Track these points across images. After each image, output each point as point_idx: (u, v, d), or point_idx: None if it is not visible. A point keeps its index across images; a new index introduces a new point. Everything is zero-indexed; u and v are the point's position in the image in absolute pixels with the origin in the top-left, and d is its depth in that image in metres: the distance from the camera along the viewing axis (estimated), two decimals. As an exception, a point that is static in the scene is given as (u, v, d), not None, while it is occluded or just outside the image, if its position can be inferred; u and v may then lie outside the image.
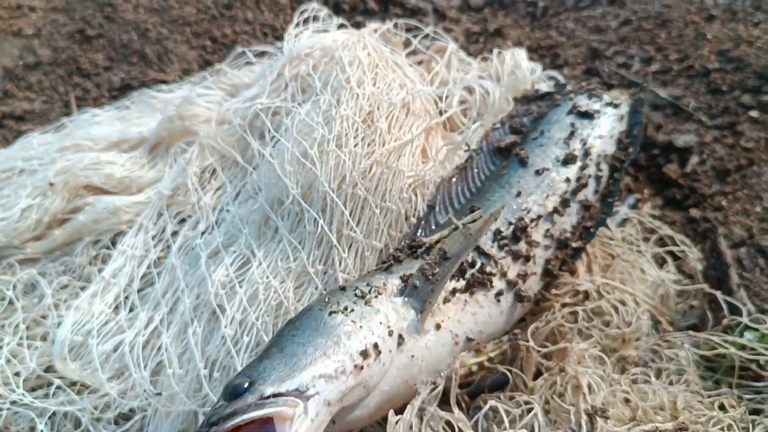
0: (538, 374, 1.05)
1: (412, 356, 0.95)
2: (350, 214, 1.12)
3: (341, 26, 1.48)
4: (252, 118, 1.30)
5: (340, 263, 1.10)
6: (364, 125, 1.17)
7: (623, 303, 1.13)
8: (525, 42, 1.66)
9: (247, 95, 1.37)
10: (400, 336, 0.95)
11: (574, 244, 1.12)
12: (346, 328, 0.92)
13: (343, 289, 1.00)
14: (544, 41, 1.62)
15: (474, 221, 1.08)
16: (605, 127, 1.23)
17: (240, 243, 1.16)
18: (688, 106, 1.47)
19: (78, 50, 1.80)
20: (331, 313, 0.94)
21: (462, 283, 1.04)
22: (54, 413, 1.15)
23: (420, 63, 1.49)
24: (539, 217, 1.12)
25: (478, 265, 1.06)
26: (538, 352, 1.03)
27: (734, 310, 1.13)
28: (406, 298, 0.99)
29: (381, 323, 0.94)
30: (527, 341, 1.03)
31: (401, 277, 1.01)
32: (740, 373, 1.08)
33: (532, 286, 1.09)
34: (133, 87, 1.69)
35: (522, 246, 1.09)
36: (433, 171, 1.21)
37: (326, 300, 0.97)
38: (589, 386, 0.97)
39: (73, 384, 1.16)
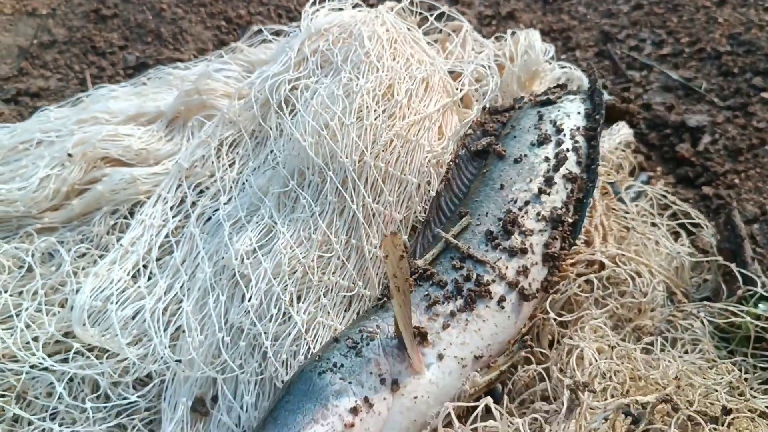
0: (553, 343, 1.06)
1: (415, 397, 0.93)
2: (371, 187, 1.13)
3: (356, 6, 1.49)
4: (273, 93, 1.30)
5: (366, 237, 1.11)
6: (384, 99, 1.18)
7: (638, 274, 1.15)
8: (537, 25, 1.67)
9: (267, 71, 1.37)
10: (395, 381, 0.93)
11: (569, 219, 1.12)
12: (334, 387, 0.91)
13: (336, 340, 0.98)
14: (556, 24, 1.64)
15: (463, 229, 1.09)
16: (570, 107, 1.26)
17: (262, 213, 1.17)
18: (701, 88, 1.48)
19: (93, 29, 1.81)
20: (320, 373, 0.93)
21: (460, 302, 1.02)
22: (72, 378, 1.15)
23: (435, 42, 1.50)
24: (527, 203, 1.12)
25: (474, 277, 1.04)
26: (556, 320, 1.04)
27: (748, 283, 1.14)
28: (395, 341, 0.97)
29: (371, 373, 0.93)
30: (546, 313, 1.04)
31: (394, 316, 0.97)
32: (755, 345, 1.09)
33: (535, 277, 1.07)
34: (149, 65, 1.70)
35: (516, 239, 1.08)
36: (448, 146, 1.23)
37: (317, 358, 0.95)
38: (589, 359, 0.99)
39: (91, 350, 1.17)
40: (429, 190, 1.17)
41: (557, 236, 1.10)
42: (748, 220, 1.28)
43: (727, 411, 0.84)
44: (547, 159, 1.17)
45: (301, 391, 0.92)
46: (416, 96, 1.20)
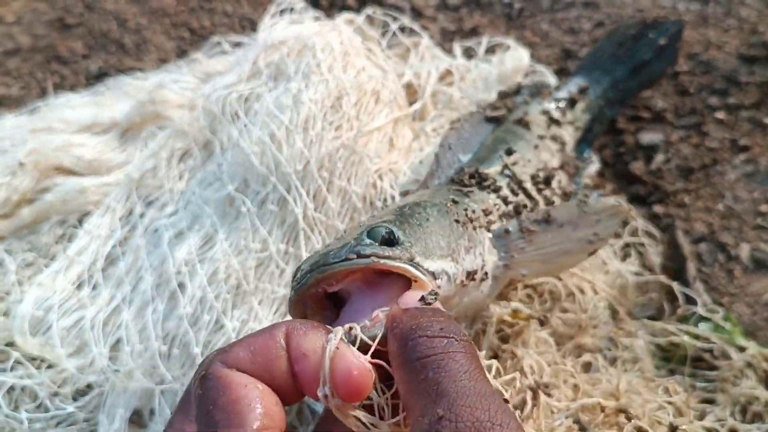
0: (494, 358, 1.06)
1: (482, 291, 0.94)
2: (314, 197, 1.13)
3: (317, 19, 1.50)
4: (224, 105, 1.30)
5: (306, 245, 1.11)
6: (333, 110, 1.19)
7: (581, 291, 1.15)
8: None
9: (221, 82, 1.37)
10: (485, 273, 0.93)
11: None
12: (464, 243, 0.90)
13: (455, 202, 0.97)
14: (519, 41, 1.64)
15: (515, 162, 1.13)
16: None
17: (204, 222, 1.17)
18: (656, 107, 1.49)
19: (57, 38, 1.81)
20: (456, 221, 0.91)
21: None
22: (12, 388, 1.15)
23: (399, 55, 1.51)
24: (554, 169, 1.19)
25: (530, 207, 1.08)
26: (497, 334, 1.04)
27: (690, 302, 1.15)
28: (494, 238, 0.98)
29: (481, 254, 0.92)
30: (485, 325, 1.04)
31: (483, 210, 1.00)
32: (694, 363, 1.09)
33: None
34: (110, 75, 1.70)
35: (548, 192, 1.13)
36: (398, 160, 1.23)
37: (447, 203, 0.94)
38: (531, 367, 0.99)
39: (33, 359, 1.16)
40: (375, 201, 1.16)
41: None
42: (695, 239, 1.29)
43: (674, 428, 0.83)
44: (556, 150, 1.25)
45: (441, 223, 0.89)
46: (365, 108, 1.21)
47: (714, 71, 1.53)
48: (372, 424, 0.60)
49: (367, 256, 0.73)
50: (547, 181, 1.16)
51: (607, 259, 1.20)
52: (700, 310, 1.11)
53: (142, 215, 1.28)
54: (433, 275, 0.78)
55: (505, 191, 1.08)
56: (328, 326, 0.63)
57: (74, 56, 1.77)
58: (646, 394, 0.96)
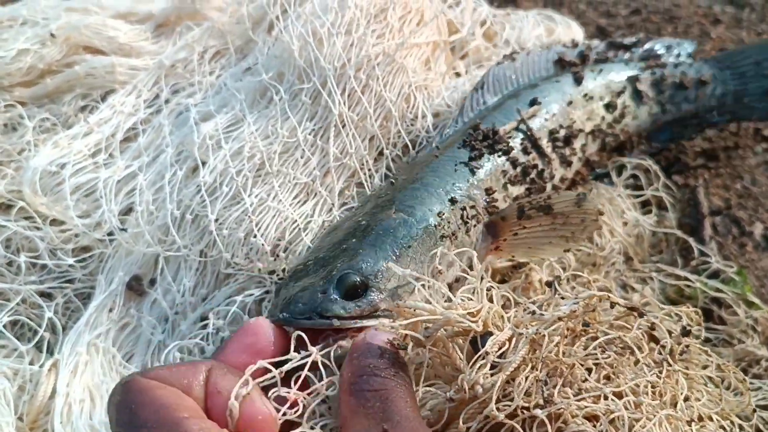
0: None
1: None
2: (348, 96, 1.12)
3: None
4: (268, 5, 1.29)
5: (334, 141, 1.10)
6: (377, 20, 1.19)
7: (598, 233, 1.15)
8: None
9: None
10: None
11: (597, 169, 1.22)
12: (448, 259, 0.90)
13: (453, 201, 0.98)
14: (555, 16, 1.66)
15: (534, 115, 1.13)
16: None
17: (233, 106, 1.16)
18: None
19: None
20: (442, 236, 0.93)
21: (523, 189, 1.07)
22: (10, 241, 1.12)
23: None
24: (581, 131, 1.18)
25: (539, 167, 1.09)
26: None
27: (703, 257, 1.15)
28: (487, 225, 1.00)
29: (469, 257, 0.89)
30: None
31: (486, 190, 1.02)
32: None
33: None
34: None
35: (567, 151, 1.14)
36: (434, 80, 1.23)
37: (439, 212, 0.96)
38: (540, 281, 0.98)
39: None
40: (409, 110, 1.15)
41: (581, 173, 1.18)
42: (712, 211, 1.29)
43: (686, 332, 0.82)
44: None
45: (425, 245, 0.92)
46: (408, 24, 1.21)
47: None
48: None
49: (329, 318, 0.78)
50: (567, 141, 1.16)
51: (627, 210, 1.20)
52: (714, 262, 1.11)
53: (167, 101, 1.27)
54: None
55: (517, 152, 1.09)
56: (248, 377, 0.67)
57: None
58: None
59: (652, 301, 0.94)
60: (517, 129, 1.12)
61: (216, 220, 1.03)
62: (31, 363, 1.01)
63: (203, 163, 1.09)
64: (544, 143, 1.13)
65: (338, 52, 1.12)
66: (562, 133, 1.16)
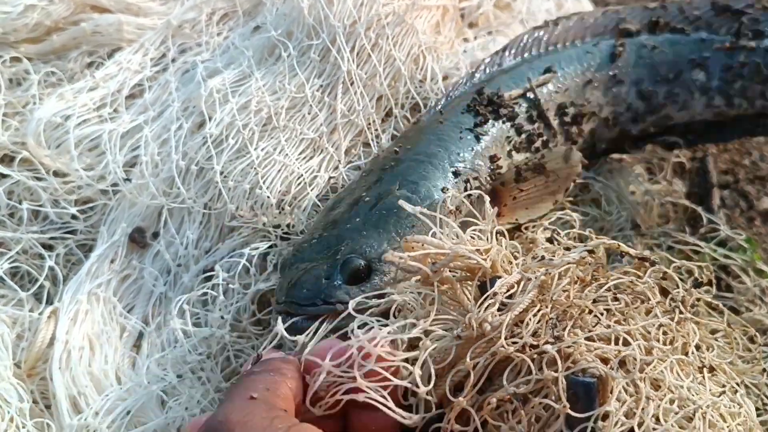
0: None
1: None
2: (357, 54, 1.11)
3: None
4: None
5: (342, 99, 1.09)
6: (387, -20, 1.18)
7: (607, 199, 1.14)
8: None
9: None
10: None
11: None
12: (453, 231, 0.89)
13: (456, 174, 0.97)
14: None
15: (544, 83, 1.09)
16: None
17: (240, 62, 1.15)
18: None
19: None
20: (449, 212, 0.90)
21: (527, 156, 1.05)
22: (12, 193, 1.11)
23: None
24: (593, 114, 1.14)
25: (545, 137, 1.07)
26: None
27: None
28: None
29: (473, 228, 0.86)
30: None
31: (491, 158, 1.01)
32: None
33: None
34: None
35: (574, 129, 1.11)
36: (443, 44, 1.22)
37: (444, 187, 0.94)
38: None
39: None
40: (418, 72, 1.14)
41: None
42: (720, 185, 1.28)
43: (698, 284, 0.82)
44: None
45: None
46: (418, -14, 1.20)
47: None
48: None
49: (332, 303, 0.78)
50: (576, 120, 1.13)
51: (633, 178, 1.19)
52: (723, 230, 1.10)
53: (174, 60, 1.26)
54: None
55: (521, 119, 1.07)
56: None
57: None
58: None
59: (664, 255, 0.92)
60: (524, 96, 1.10)
61: (221, 173, 1.02)
62: (30, 311, 1.00)
63: (209, 118, 1.08)
64: (551, 115, 1.11)
65: (348, 10, 1.11)
66: (571, 111, 1.12)
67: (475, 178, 0.98)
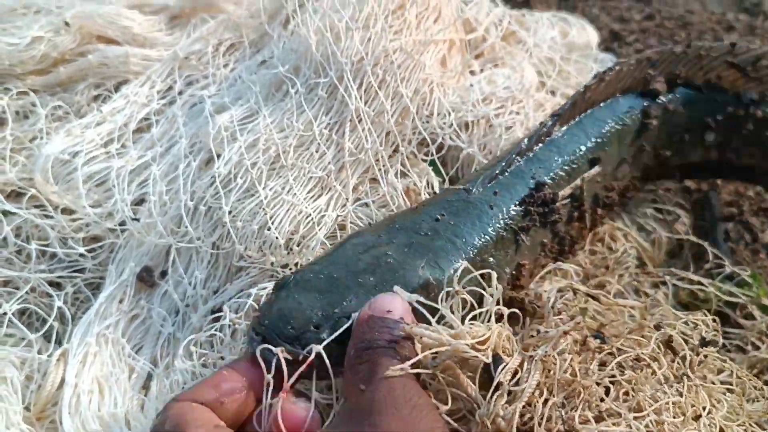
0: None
1: None
2: (365, 91, 1.12)
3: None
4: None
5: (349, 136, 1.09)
6: (394, 16, 1.18)
7: (612, 238, 1.15)
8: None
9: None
10: None
11: None
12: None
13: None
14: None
15: (592, 179, 1.02)
16: None
17: (248, 98, 1.15)
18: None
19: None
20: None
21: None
22: (20, 229, 1.11)
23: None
24: (614, 189, 1.09)
25: (574, 239, 1.03)
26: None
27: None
28: None
29: None
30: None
31: (518, 265, 0.93)
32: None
33: None
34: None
35: (599, 213, 1.07)
36: (450, 78, 1.22)
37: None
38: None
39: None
40: (425, 107, 1.15)
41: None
42: (725, 217, 1.29)
43: (705, 342, 0.82)
44: None
45: None
46: (426, 21, 1.20)
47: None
48: None
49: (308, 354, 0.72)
50: (604, 206, 1.06)
51: (640, 216, 1.20)
52: (728, 265, 1.11)
53: (181, 92, 1.26)
54: None
55: (562, 223, 0.99)
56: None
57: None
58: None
59: (668, 308, 0.92)
60: (572, 195, 1.01)
61: (230, 212, 1.02)
62: (39, 352, 1.00)
63: (218, 155, 1.08)
64: (587, 212, 1.03)
65: (356, 47, 1.11)
66: (603, 199, 1.06)
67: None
